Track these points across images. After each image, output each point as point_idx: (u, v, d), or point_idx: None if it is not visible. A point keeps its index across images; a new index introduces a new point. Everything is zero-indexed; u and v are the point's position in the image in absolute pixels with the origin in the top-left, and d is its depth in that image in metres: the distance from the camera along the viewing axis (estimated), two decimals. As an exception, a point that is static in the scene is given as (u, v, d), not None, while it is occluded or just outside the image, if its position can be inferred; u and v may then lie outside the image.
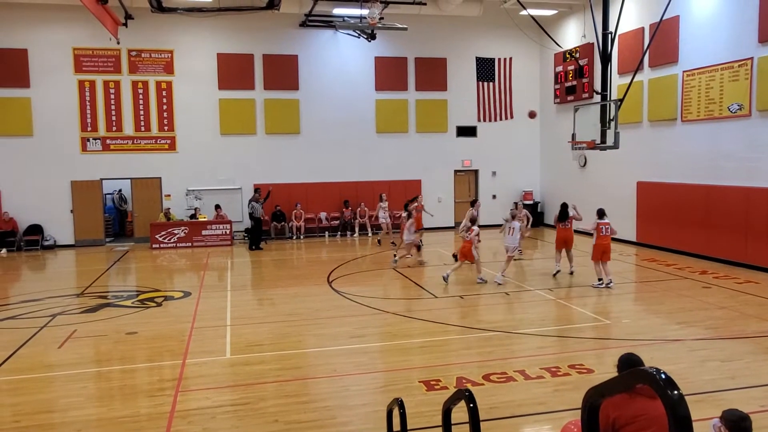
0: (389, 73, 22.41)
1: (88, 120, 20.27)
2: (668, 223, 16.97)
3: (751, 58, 14.13)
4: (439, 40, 22.64)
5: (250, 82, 21.30)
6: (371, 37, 20.56)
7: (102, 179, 20.65)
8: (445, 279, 13.23)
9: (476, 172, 23.87)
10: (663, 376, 1.93)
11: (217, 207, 20.54)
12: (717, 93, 15.17)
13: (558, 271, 14.01)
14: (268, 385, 7.57)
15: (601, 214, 12.80)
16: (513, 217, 14.18)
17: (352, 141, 22.23)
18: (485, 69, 23.28)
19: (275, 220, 21.38)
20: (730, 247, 14.72)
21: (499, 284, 13.05)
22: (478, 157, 23.54)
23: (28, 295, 13.23)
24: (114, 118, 20.46)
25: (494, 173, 23.84)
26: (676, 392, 1.88)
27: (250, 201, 19.38)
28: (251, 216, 19.41)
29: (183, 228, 20.09)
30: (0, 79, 19.39)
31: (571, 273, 14.04)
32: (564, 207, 14.16)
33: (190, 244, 19.97)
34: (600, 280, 12.71)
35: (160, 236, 19.89)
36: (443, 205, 23.10)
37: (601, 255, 12.62)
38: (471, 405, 3.46)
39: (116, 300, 12.72)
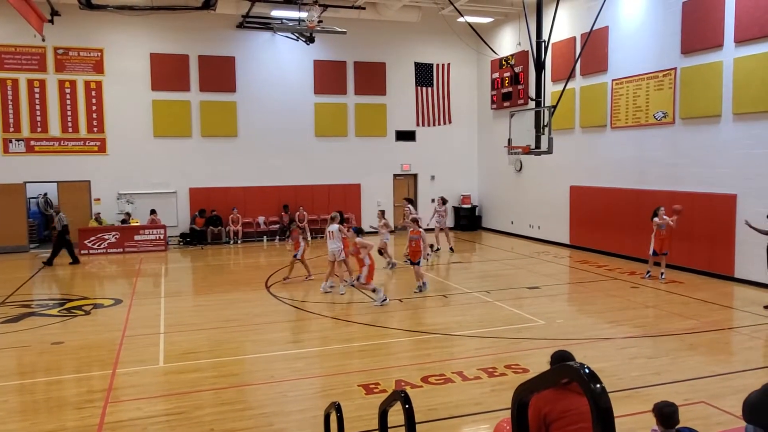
0: (328, 77, 22.33)
1: (11, 120, 19.25)
2: (599, 225, 17.58)
3: (675, 68, 14.83)
4: (378, 45, 22.74)
5: (185, 84, 20.77)
6: (310, 40, 20.43)
7: (26, 182, 19.65)
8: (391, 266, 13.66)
9: (415, 176, 24.07)
10: (587, 371, 1.98)
11: (153, 212, 19.91)
12: (643, 101, 15.84)
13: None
14: (204, 394, 7.37)
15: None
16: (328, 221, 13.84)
17: (291, 144, 22.01)
18: (424, 74, 23.54)
19: (211, 224, 20.91)
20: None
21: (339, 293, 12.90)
22: (417, 161, 23.75)
23: (-57, 305, 12.43)
24: (39, 118, 19.51)
25: (433, 177, 24.10)
26: (598, 385, 1.94)
27: (58, 212, 17.56)
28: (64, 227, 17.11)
29: (114, 233, 19.35)
30: None
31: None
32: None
33: (121, 250, 19.26)
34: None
35: (89, 242, 19.09)
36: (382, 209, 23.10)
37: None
38: (407, 406, 3.47)
39: (41, 309, 12.12)
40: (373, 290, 11.80)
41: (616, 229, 16.88)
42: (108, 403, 7.06)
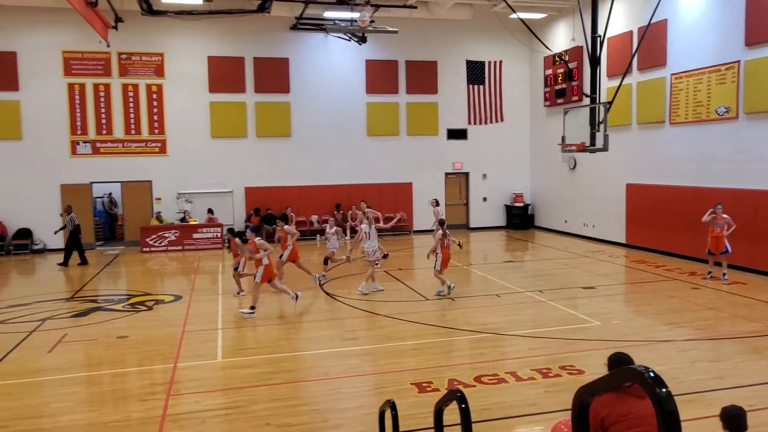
0: (380, 76, 22.45)
1: (78, 123, 20.17)
2: (657, 224, 17.09)
3: (738, 61, 14.27)
4: (429, 44, 22.72)
5: (240, 85, 21.28)
6: (362, 40, 20.59)
7: (92, 183, 20.54)
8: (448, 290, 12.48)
9: (467, 174, 23.94)
10: (651, 374, 1.96)
11: (210, 211, 20.49)
12: (704, 96, 15.31)
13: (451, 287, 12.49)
14: (260, 389, 7.56)
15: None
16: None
17: (343, 144, 22.24)
18: (475, 72, 23.38)
19: (266, 223, 21.33)
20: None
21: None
22: (468, 159, 23.62)
23: (16, 300, 13.12)
24: (104, 121, 20.37)
25: (485, 176, 23.92)
26: (664, 389, 1.92)
27: (69, 212, 17.72)
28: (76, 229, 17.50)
29: (174, 231, 20.01)
30: (-12, 81, 19.29)
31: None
32: None
33: (181, 248, 19.89)
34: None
35: (151, 240, 19.81)
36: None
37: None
38: (463, 405, 3.49)
39: (107, 304, 12.65)
40: (252, 307, 11.14)
41: (674, 228, 16.37)
42: (170, 396, 7.32)
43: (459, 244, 15.67)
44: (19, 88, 19.58)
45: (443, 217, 12.84)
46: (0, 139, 19.51)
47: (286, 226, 13.39)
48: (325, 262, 14.69)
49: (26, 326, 10.73)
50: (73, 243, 17.41)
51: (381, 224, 14.74)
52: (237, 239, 12.84)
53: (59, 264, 17.22)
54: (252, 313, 11.05)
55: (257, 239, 11.58)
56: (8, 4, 18.33)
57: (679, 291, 12.51)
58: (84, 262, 17.43)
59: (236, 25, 20.36)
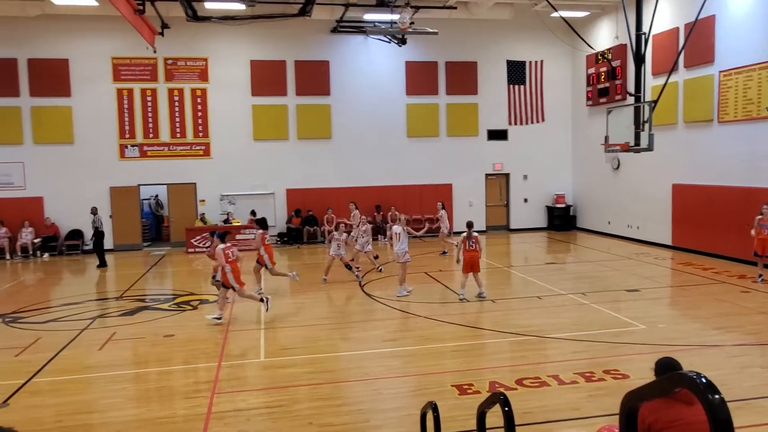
0: (420, 78, 22.46)
1: (126, 127, 20.78)
2: (705, 226, 16.63)
3: (791, 57, 13.79)
4: (469, 44, 22.61)
5: (282, 88, 21.57)
6: (402, 41, 20.64)
7: (139, 185, 21.13)
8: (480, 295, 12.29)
9: (507, 175, 23.73)
10: (704, 380, 1.92)
11: (253, 213, 20.80)
12: (755, 93, 14.83)
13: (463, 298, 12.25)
14: (302, 388, 7.66)
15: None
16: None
17: (383, 145, 22.33)
18: (516, 72, 23.16)
19: (307, 224, 21.57)
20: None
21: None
22: (509, 160, 23.41)
23: (69, 298, 13.60)
24: (151, 125, 20.94)
25: (525, 177, 23.67)
26: (717, 396, 1.87)
27: (95, 213, 18.04)
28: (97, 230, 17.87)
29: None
30: (43, 88, 20.06)
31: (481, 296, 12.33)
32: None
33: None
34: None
35: (195, 240, 20.25)
36: (474, 209, 23.00)
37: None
38: (506, 409, 3.48)
39: (154, 303, 13.00)
40: (219, 316, 10.93)
41: (723, 230, 15.90)
42: (214, 394, 7.49)
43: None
44: (71, 94, 20.29)
45: (470, 220, 12.70)
46: (54, 143, 20.24)
47: (219, 246, 11.01)
48: (348, 267, 14.47)
49: (78, 324, 11.11)
50: (96, 244, 17.88)
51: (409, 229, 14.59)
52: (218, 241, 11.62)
53: (98, 267, 17.64)
54: (217, 317, 10.91)
55: (218, 248, 10.98)
56: (61, 13, 19.01)
57: (728, 294, 12.15)
58: (103, 264, 17.68)
59: (278, 29, 20.65)
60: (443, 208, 18.71)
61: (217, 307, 11.27)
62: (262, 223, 13.85)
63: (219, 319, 10.93)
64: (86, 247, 20.45)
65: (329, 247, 14.46)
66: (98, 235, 17.79)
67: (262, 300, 11.30)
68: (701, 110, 16.65)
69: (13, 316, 11.91)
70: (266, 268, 13.32)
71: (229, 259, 11.00)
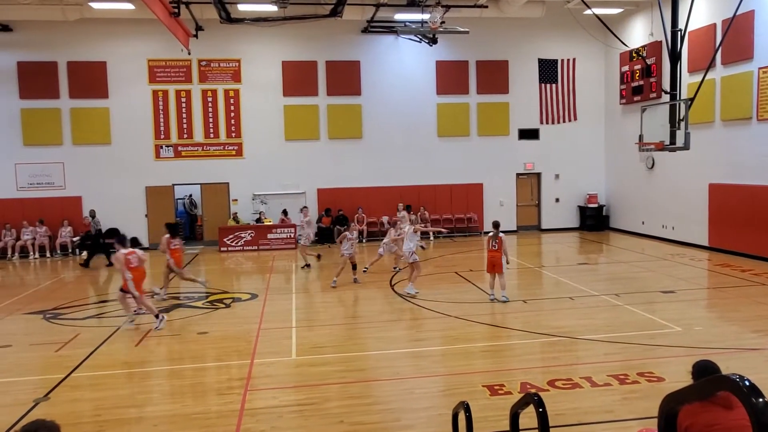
0: (450, 77, 22.39)
1: (161, 128, 21.19)
2: (743, 226, 16.24)
3: (835, 53, 13.38)
4: (500, 43, 22.46)
5: (313, 89, 21.73)
6: (432, 41, 20.59)
7: (174, 185, 21.52)
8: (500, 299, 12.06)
9: (539, 175, 23.50)
10: (747, 383, 1.89)
11: (284, 212, 21.01)
12: (797, 90, 14.43)
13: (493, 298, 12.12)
14: (333, 387, 7.72)
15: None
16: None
17: (413, 145, 22.32)
18: (548, 70, 22.92)
19: (338, 223, 21.68)
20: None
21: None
22: (540, 159, 23.19)
23: (107, 296, 13.93)
24: (185, 125, 21.30)
25: (557, 176, 23.41)
26: (761, 400, 1.84)
27: (93, 215, 18.94)
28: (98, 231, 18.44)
29: (249, 231, 20.68)
30: (82, 90, 20.59)
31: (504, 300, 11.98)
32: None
33: (256, 248, 20.53)
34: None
35: (228, 239, 20.54)
36: (505, 209, 22.85)
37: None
38: (540, 410, 3.47)
39: (188, 301, 13.24)
40: (153, 314, 10.81)
41: (763, 230, 15.50)
42: (247, 391, 7.60)
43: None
44: (109, 96, 20.77)
45: (497, 220, 12.41)
46: (92, 144, 20.74)
47: (119, 252, 10.87)
48: (354, 267, 14.34)
49: (115, 321, 11.38)
50: (94, 245, 18.31)
51: (420, 226, 14.50)
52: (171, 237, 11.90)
53: (107, 265, 17.80)
54: (133, 317, 11.00)
55: (119, 253, 10.77)
56: (99, 16, 19.46)
57: (768, 297, 11.86)
58: (86, 264, 17.90)
59: (309, 30, 20.78)
60: (406, 209, 18.28)
61: (128, 311, 11.16)
62: (170, 228, 13.50)
63: (132, 322, 10.96)
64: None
65: (342, 247, 14.23)
66: (98, 236, 18.28)
67: (157, 316, 10.71)
68: (739, 108, 16.26)
69: (54, 312, 12.26)
70: (174, 272, 13.29)
71: (131, 265, 10.73)
